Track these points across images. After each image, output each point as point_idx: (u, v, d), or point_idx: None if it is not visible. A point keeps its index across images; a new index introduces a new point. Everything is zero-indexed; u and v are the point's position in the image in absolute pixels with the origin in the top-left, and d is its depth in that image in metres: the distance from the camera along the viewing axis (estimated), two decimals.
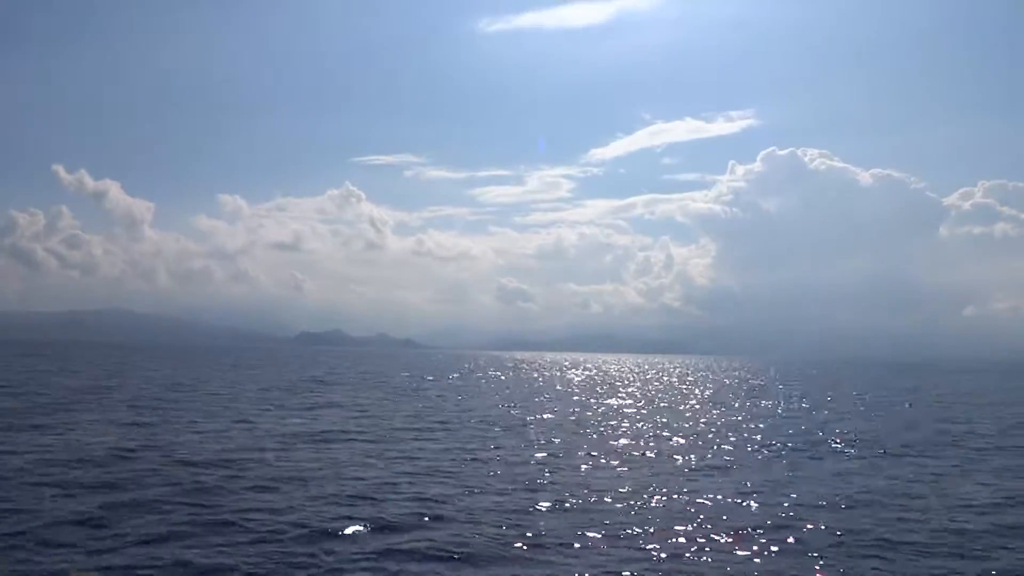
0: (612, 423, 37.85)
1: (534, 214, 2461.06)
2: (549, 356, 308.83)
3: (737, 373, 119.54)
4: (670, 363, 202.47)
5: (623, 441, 30.60)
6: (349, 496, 18.55)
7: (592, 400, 54.17)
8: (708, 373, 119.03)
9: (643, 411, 45.42)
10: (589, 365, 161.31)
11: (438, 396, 54.76)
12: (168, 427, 30.69)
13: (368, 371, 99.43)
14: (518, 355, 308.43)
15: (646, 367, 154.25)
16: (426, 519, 16.64)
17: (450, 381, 79.11)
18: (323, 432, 30.56)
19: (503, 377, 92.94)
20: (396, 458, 24.45)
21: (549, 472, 22.83)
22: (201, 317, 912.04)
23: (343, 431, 31.15)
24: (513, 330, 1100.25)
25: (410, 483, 20.41)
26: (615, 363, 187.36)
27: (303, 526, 15.62)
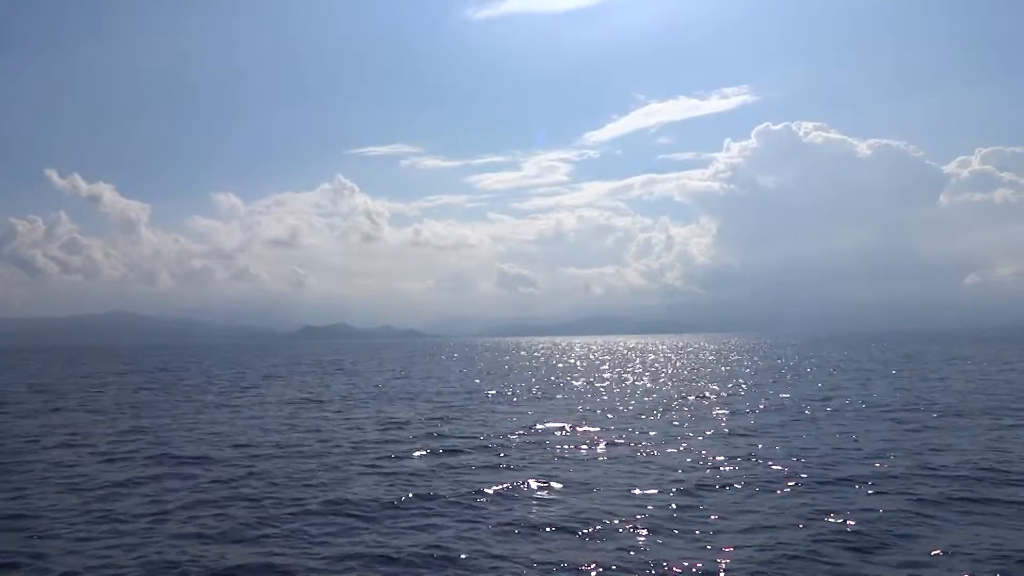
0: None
1: (532, 199, 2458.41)
2: (565, 341, 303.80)
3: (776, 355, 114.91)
4: (707, 343, 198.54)
5: None
6: None
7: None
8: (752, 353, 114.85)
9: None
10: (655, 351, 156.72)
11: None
12: None
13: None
14: (547, 340, 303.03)
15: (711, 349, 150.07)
16: None
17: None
18: None
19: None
20: None
21: None
22: (204, 317, 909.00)
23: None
24: (517, 316, 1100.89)
25: None
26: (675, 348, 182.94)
27: None
